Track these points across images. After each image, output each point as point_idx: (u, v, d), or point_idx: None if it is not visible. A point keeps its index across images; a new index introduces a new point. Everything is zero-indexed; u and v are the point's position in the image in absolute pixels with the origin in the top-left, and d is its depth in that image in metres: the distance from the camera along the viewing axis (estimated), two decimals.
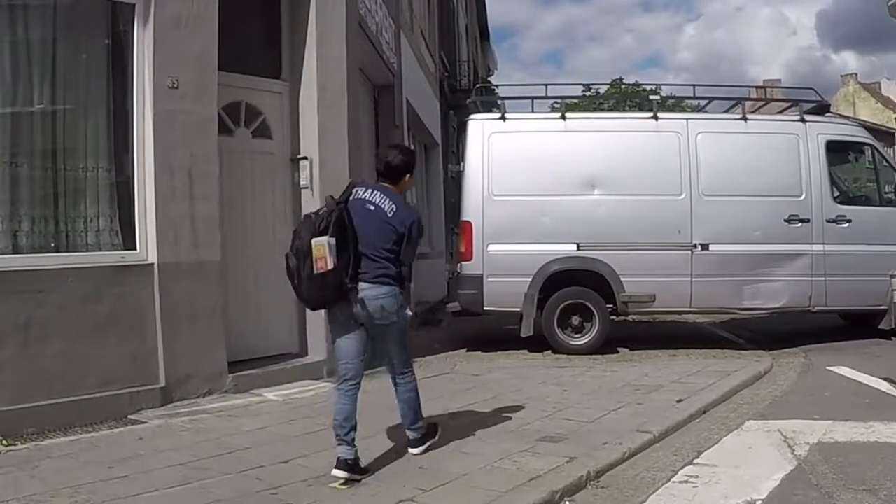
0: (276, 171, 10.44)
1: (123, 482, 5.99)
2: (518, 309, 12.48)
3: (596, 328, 12.54)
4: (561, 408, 8.50)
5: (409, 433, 6.82)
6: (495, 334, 14.06)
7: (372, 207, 6.29)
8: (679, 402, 8.74)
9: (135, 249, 8.63)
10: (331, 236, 5.86)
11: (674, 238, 12.55)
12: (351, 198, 6.30)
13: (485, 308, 12.53)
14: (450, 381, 10.32)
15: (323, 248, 5.82)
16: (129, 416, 8.09)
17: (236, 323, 9.64)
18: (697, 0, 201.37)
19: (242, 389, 9.20)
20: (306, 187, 10.34)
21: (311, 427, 7.67)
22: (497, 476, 6.11)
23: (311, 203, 10.18)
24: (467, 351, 12.98)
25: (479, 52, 41.96)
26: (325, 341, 10.03)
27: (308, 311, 8.58)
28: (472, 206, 12.64)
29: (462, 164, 13.13)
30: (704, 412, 8.54)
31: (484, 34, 43.73)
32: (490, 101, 13.75)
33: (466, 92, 29.25)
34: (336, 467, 6.02)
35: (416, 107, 18.98)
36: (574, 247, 12.50)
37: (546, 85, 13.68)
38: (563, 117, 12.92)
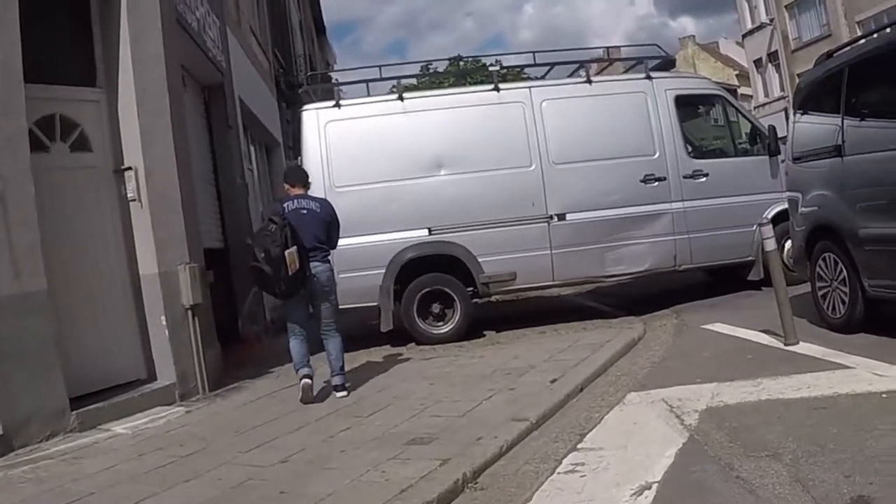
0: (100, 186, 9.64)
1: None
2: (375, 303, 11.99)
3: (458, 314, 12.13)
4: (428, 404, 8.06)
5: (335, 379, 9.18)
6: (356, 332, 13.51)
7: (305, 211, 9.07)
8: (553, 381, 8.41)
9: None
10: (291, 245, 8.53)
11: (528, 211, 12.22)
12: (286, 211, 8.93)
13: (341, 306, 11.88)
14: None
15: (293, 255, 8.52)
16: None
17: (75, 354, 8.87)
18: None
19: (89, 426, 8.43)
20: (134, 199, 9.61)
21: (162, 460, 7.05)
22: (365, 492, 5.64)
23: (142, 216, 9.56)
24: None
25: (315, 48, 41.17)
26: (172, 363, 9.40)
27: (151, 333, 9.66)
28: None
29: (299, 158, 12.45)
30: (581, 389, 8.25)
31: (320, 29, 42.96)
32: (324, 89, 13.02)
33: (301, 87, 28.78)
34: (304, 384, 8.86)
35: (252, 106, 18.23)
36: (426, 232, 12.06)
37: (380, 66, 12.65)
38: (401, 98, 12.41)
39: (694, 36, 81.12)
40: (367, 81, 12.99)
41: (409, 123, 12.27)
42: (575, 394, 8.03)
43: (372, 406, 8.18)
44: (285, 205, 9.05)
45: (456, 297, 12.09)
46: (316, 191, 11.71)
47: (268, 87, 22.89)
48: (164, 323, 9.56)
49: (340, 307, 9.91)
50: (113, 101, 9.73)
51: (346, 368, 9.36)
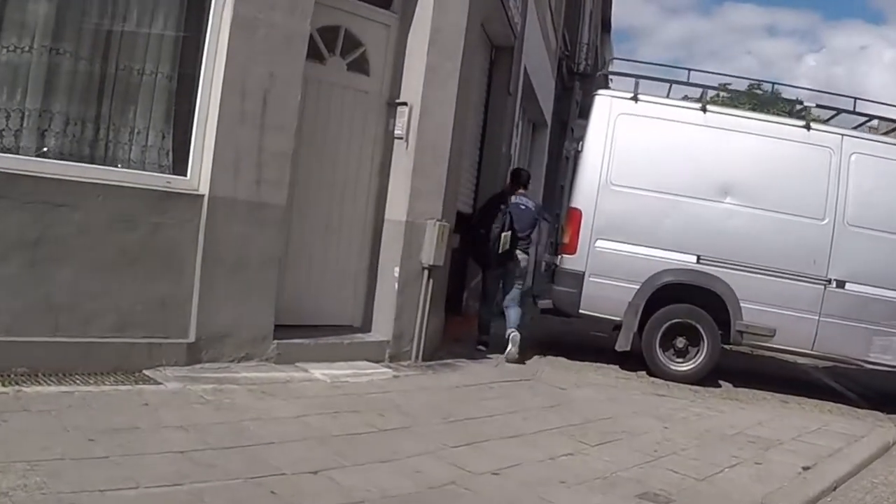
0: (368, 114, 8.92)
1: (96, 466, 4.53)
2: (618, 318, 10.86)
3: (703, 355, 10.81)
4: (663, 452, 6.86)
5: (510, 331, 10.49)
6: (583, 341, 12.53)
7: (523, 207, 10.82)
8: (805, 469, 7.06)
9: (185, 175, 7.19)
10: (508, 230, 10.31)
11: (807, 268, 10.74)
12: (510, 203, 10.69)
13: (580, 311, 10.89)
14: (531, 391, 8.74)
15: (507, 238, 10.27)
16: (144, 372, 6.73)
17: (292, 281, 8.26)
18: (823, 33, 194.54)
19: (287, 360, 7.76)
20: (401, 137, 8.84)
21: (358, 425, 6.21)
22: None
23: (404, 157, 8.84)
24: (551, 355, 11.39)
25: (599, 43, 40.04)
26: (392, 319, 8.62)
27: (379, 282, 9.03)
28: (585, 194, 11.00)
29: (581, 143, 11.47)
30: (835, 488, 6.84)
31: (606, 27, 41.69)
32: (623, 76, 11.94)
33: (584, 76, 27.79)
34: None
35: (533, 78, 17.34)
36: (693, 258, 10.78)
37: (689, 70, 11.51)
38: (704, 109, 11.15)
39: None
40: (671, 82, 11.83)
41: (706, 138, 10.98)
42: (828, 492, 6.70)
43: (599, 434, 7.08)
44: (511, 198, 10.93)
45: (705, 336, 10.78)
46: (589, 184, 10.88)
47: (550, 66, 21.95)
48: (396, 275, 8.78)
49: (581, 311, 9.96)
50: (404, 30, 8.99)
51: (571, 378, 9.04)
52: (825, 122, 11.68)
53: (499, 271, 10.81)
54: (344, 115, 8.70)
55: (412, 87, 8.86)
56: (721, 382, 10.98)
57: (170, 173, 7.16)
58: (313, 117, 8.32)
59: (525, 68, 15.94)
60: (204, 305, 7.16)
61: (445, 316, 10.35)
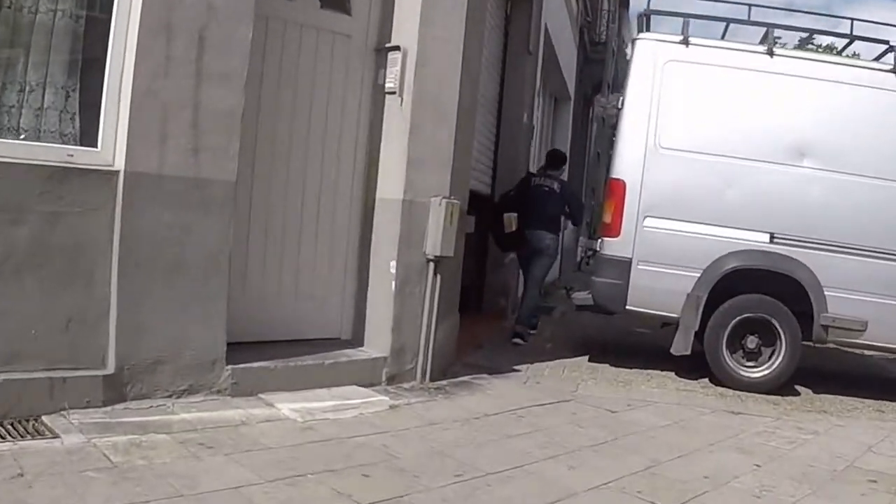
0: (351, 64, 6.93)
1: None
2: (674, 315, 8.75)
3: (781, 357, 8.67)
4: None
5: (517, 328, 10.14)
6: (626, 340, 10.52)
7: (546, 189, 10.34)
8: None
9: (95, 147, 5.25)
10: (512, 212, 10.20)
11: None
12: (531, 185, 10.50)
13: (627, 307, 8.83)
14: (571, 418, 6.65)
15: (510, 219, 10.16)
16: (43, 419, 4.85)
17: (254, 284, 6.41)
18: None
19: (246, 392, 5.83)
20: (393, 92, 6.82)
21: (327, 497, 4.20)
22: None
23: (398, 116, 6.89)
24: (590, 361, 9.40)
25: (618, 16, 37.64)
26: (389, 330, 6.68)
27: (372, 281, 7.01)
28: (629, 161, 8.86)
29: (620, 99, 9.37)
30: None
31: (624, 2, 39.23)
32: (669, 15, 9.73)
33: (606, 46, 25.62)
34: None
35: (555, 42, 15.25)
36: (766, 237, 8.64)
37: (749, 5, 9.25)
38: (771, 53, 8.98)
39: None
40: (727, 20, 9.62)
41: (776, 88, 8.81)
42: None
43: (676, 489, 5.03)
44: (534, 179, 10.69)
45: (783, 334, 8.65)
46: (633, 149, 8.81)
47: (572, 33, 19.78)
48: (392, 271, 6.76)
49: (628, 307, 8.52)
50: None
51: (621, 395, 7.41)
52: None
53: (525, 254, 10.47)
54: (318, 66, 6.72)
55: (406, 27, 6.82)
56: (798, 388, 8.93)
57: (74, 144, 5.23)
58: (276, 68, 6.41)
59: (546, 27, 13.87)
60: (126, 323, 5.23)
61: (462, 316, 8.35)
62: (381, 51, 6.91)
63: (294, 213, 6.65)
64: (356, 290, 7.00)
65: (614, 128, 9.35)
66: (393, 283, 6.72)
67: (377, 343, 6.82)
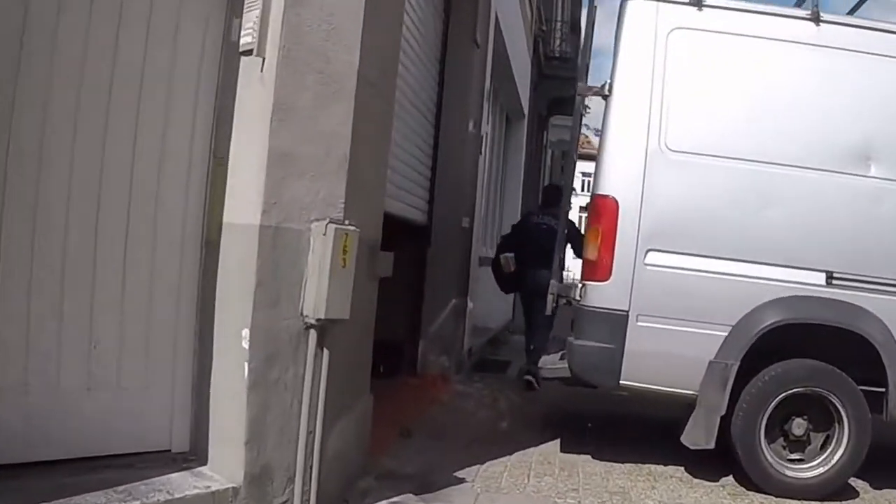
0: (184, 10, 4.24)
1: None
2: (690, 392, 6.06)
3: (843, 448, 6.06)
4: None
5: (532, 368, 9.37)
6: (609, 411, 8.02)
7: (545, 226, 9.72)
8: None
9: None
10: (509, 252, 10.10)
11: None
12: (530, 223, 10.30)
13: (621, 381, 6.12)
14: None
15: (507, 259, 10.05)
16: None
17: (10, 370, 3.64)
18: None
19: None
20: (250, 51, 4.09)
21: None
22: None
23: (257, 88, 4.11)
24: (563, 451, 6.77)
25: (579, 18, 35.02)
26: (242, 443, 4.02)
27: (216, 363, 4.24)
28: (622, 171, 6.21)
29: (607, 83, 6.65)
30: None
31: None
32: None
33: (563, 61, 23.21)
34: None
35: (507, 36, 12.64)
36: (821, 277, 6.05)
37: None
38: (817, 19, 6.37)
39: None
40: None
41: (823, 67, 6.27)
42: None
43: None
44: (532, 218, 10.50)
45: (845, 416, 6.03)
46: (629, 151, 6.22)
47: (525, 40, 17.17)
48: (245, 345, 4.04)
49: (623, 382, 5.84)
50: None
51: None
52: None
53: (526, 293, 10.12)
54: (130, 15, 4.00)
55: None
56: (854, 485, 6.34)
57: None
58: (48, 28, 3.68)
59: (496, 18, 11.29)
60: None
61: (388, 385, 5.68)
62: None
63: (82, 253, 3.92)
64: (196, 374, 4.28)
65: (603, 125, 6.58)
66: (246, 365, 3.98)
67: (225, 461, 4.09)
